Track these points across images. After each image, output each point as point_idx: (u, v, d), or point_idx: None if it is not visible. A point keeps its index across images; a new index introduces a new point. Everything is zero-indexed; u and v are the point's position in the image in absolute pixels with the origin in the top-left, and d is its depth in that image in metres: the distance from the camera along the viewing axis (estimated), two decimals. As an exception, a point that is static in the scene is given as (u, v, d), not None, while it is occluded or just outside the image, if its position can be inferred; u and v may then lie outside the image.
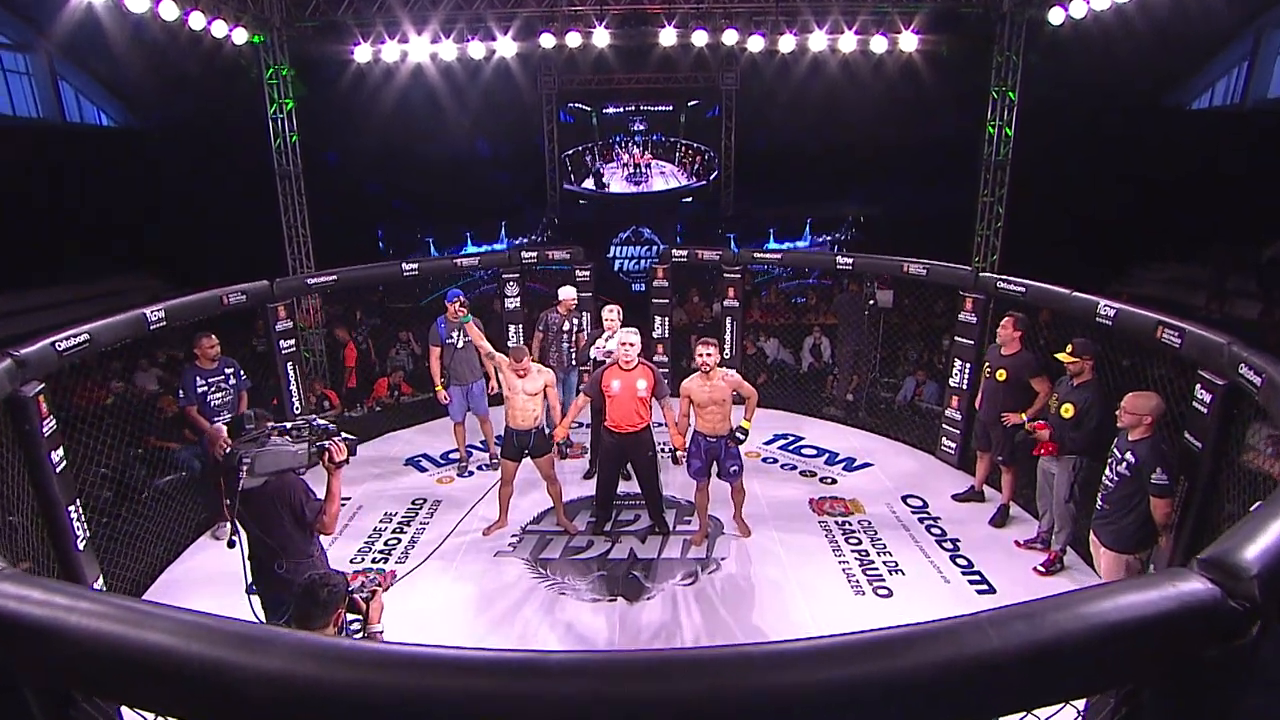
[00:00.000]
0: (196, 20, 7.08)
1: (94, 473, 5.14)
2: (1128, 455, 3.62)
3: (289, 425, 3.10)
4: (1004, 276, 5.85)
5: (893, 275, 7.01)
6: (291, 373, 6.26)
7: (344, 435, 3.17)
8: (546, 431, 5.26)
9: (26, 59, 13.56)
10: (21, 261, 10.44)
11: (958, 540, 5.26)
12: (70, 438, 4.65)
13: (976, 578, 4.80)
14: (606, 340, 5.88)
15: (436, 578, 4.88)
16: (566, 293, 6.55)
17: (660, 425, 5.15)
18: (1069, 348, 4.54)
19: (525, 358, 4.98)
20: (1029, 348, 5.16)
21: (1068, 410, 4.53)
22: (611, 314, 6.04)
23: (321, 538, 3.34)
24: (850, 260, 7.23)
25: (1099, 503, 3.79)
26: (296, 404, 6.35)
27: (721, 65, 12.70)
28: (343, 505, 5.77)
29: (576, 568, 4.97)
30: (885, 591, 4.66)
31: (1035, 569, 4.82)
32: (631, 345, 4.97)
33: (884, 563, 4.99)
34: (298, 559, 3.19)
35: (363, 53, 8.42)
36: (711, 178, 14.59)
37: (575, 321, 6.58)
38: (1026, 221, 9.24)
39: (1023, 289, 5.58)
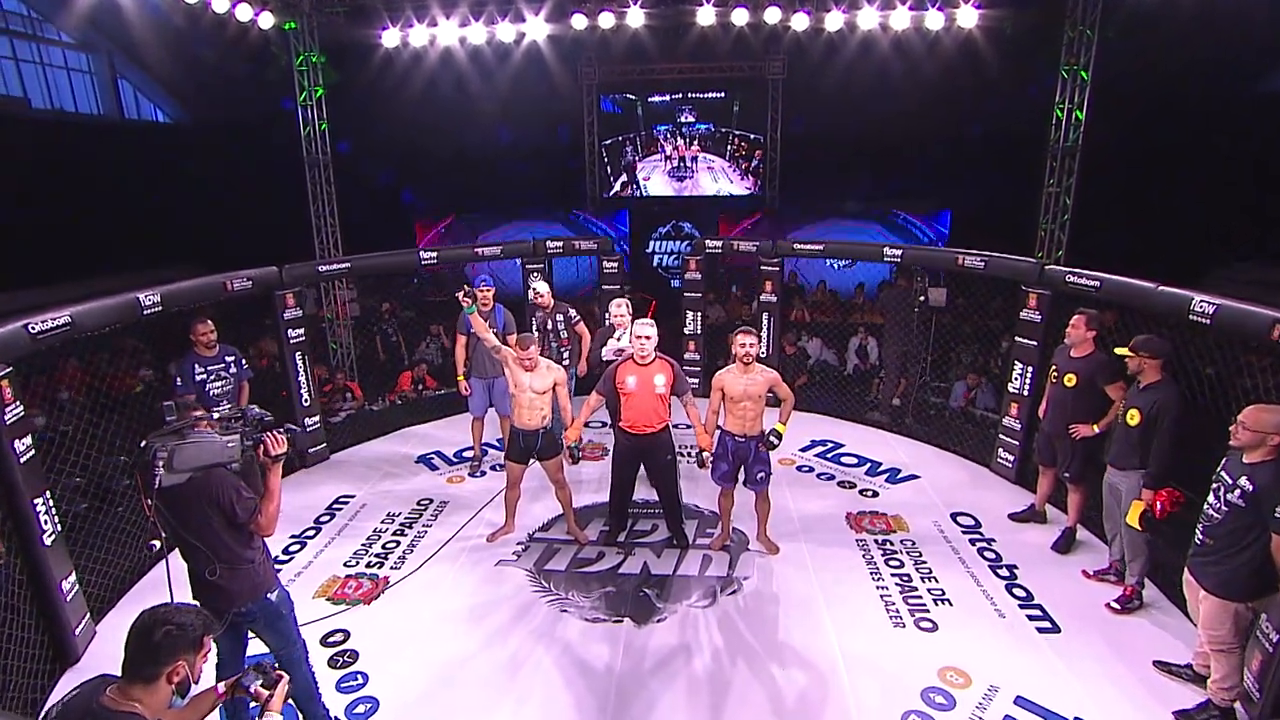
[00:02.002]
0: (220, 3, 6.94)
1: (114, 461, 5.03)
2: (1242, 481, 2.98)
3: (217, 415, 2.77)
4: (1074, 269, 5.18)
5: (946, 269, 6.37)
6: (300, 363, 6.01)
7: (286, 426, 2.81)
8: (556, 433, 4.86)
9: (89, 58, 13.98)
10: (86, 253, 10.62)
11: (1015, 567, 4.63)
12: (102, 419, 4.67)
13: (1037, 612, 4.17)
14: (619, 338, 5.45)
15: (432, 586, 4.52)
16: (540, 288, 6.10)
17: (679, 426, 4.68)
18: (1132, 342, 3.99)
19: (532, 345, 4.57)
20: (1103, 349, 4.50)
21: (1134, 417, 3.97)
22: (620, 309, 5.62)
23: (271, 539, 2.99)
24: (899, 252, 6.60)
25: (1199, 536, 3.15)
26: (305, 396, 6.10)
27: (764, 47, 11.92)
28: (345, 504, 5.59)
29: (582, 582, 4.54)
30: (929, 625, 4.08)
31: (1108, 605, 4.16)
32: (647, 338, 4.52)
33: (928, 590, 4.40)
34: (233, 564, 2.83)
35: (390, 37, 8.18)
36: (762, 183, 13.80)
37: (561, 317, 6.13)
38: (1091, 216, 8.39)
39: (1096, 283, 4.90)
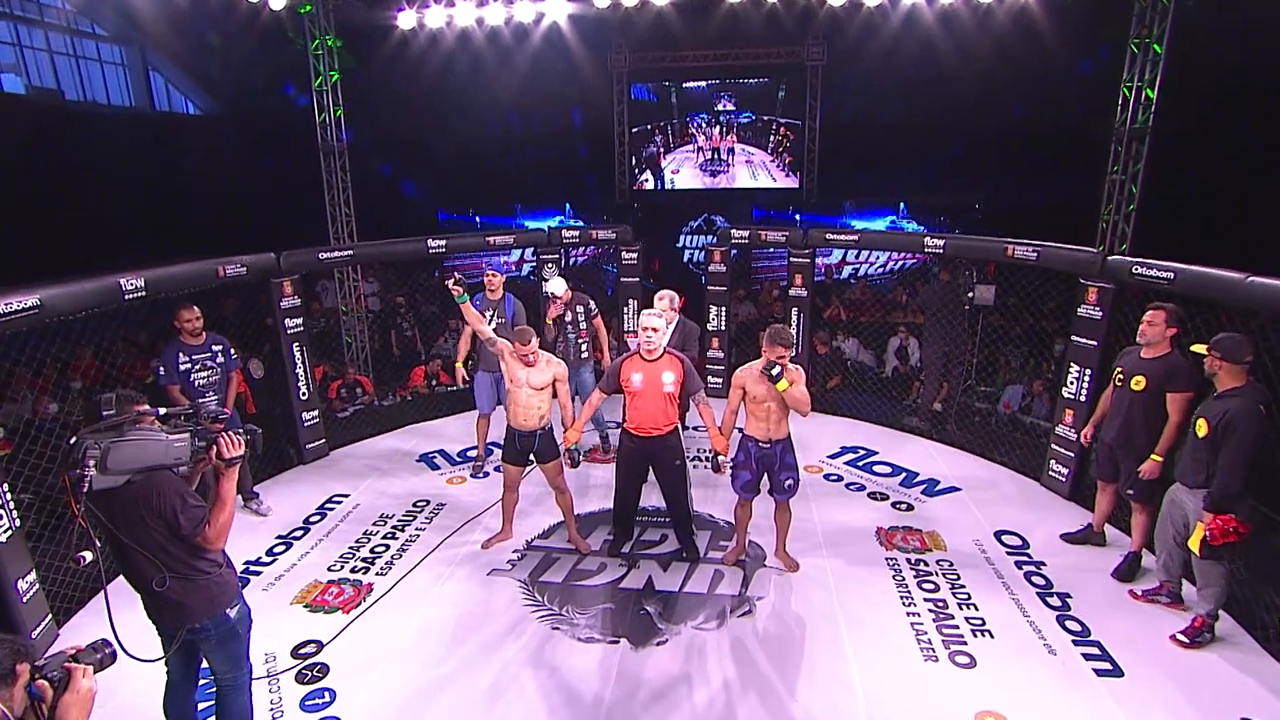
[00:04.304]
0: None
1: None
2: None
3: (164, 411, 2.43)
4: (1142, 259, 4.57)
5: (995, 260, 5.79)
6: (298, 355, 5.75)
7: (246, 426, 2.48)
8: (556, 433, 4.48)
9: (122, 50, 14.16)
10: (118, 243, 10.68)
11: (1068, 596, 4.07)
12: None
13: (1094, 650, 3.62)
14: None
15: (417, 595, 4.18)
16: (555, 289, 5.61)
17: (698, 428, 4.24)
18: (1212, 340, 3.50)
19: (532, 339, 4.20)
20: (1182, 352, 3.90)
21: (1202, 427, 3.47)
22: (663, 302, 5.24)
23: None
24: (942, 242, 6.03)
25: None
26: (303, 389, 5.83)
27: (800, 28, 11.26)
28: (338, 503, 5.28)
29: (579, 596, 4.14)
30: (966, 660, 3.57)
31: (1174, 638, 3.63)
32: (654, 330, 4.10)
33: (966, 619, 3.88)
34: (186, 576, 2.50)
35: (406, 19, 7.91)
36: (801, 175, 13.14)
37: (581, 309, 5.72)
38: (1158, 206, 7.62)
39: (1170, 275, 4.31)
